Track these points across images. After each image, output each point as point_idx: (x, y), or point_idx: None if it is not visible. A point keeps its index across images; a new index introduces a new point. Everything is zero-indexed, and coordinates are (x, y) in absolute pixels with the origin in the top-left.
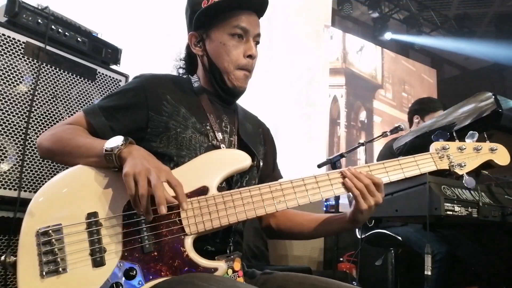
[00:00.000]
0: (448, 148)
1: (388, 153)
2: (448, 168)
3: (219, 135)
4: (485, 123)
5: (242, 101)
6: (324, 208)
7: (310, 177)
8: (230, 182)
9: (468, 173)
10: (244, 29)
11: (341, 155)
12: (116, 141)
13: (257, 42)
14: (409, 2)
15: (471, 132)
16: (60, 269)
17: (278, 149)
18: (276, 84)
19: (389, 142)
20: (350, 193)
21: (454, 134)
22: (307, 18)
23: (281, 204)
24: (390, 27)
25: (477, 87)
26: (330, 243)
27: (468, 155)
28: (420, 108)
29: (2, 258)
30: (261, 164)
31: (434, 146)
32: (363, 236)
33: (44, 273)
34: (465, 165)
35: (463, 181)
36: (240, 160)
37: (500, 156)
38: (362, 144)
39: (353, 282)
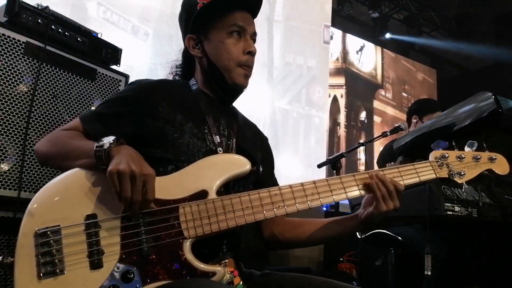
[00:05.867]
0: (448, 156)
1: (388, 155)
2: (447, 176)
3: (217, 139)
4: (485, 123)
5: (242, 101)
6: (324, 208)
7: (310, 182)
8: (228, 188)
9: (468, 182)
10: (241, 27)
11: (341, 155)
12: (107, 139)
13: (254, 41)
14: (409, 2)
15: (470, 141)
16: (58, 271)
17: (278, 149)
18: (276, 84)
19: (389, 144)
20: (351, 198)
21: (454, 143)
22: (307, 18)
23: (281, 210)
24: (390, 27)
25: (477, 87)
26: (330, 243)
27: (467, 164)
28: (419, 108)
29: (0, 259)
30: (261, 169)
31: (434, 154)
32: (363, 236)
33: (41, 274)
34: (464, 174)
35: (463, 190)
36: (240, 165)
37: (499, 165)
38: (362, 144)
39: (353, 282)
